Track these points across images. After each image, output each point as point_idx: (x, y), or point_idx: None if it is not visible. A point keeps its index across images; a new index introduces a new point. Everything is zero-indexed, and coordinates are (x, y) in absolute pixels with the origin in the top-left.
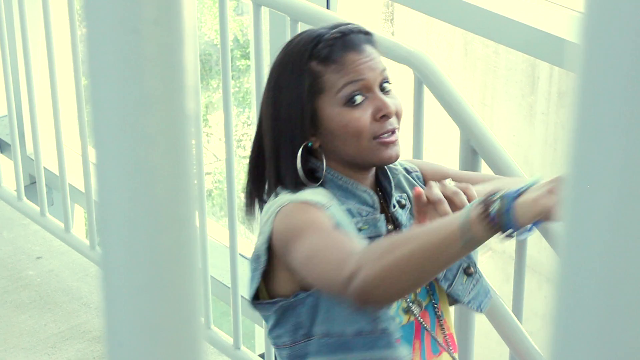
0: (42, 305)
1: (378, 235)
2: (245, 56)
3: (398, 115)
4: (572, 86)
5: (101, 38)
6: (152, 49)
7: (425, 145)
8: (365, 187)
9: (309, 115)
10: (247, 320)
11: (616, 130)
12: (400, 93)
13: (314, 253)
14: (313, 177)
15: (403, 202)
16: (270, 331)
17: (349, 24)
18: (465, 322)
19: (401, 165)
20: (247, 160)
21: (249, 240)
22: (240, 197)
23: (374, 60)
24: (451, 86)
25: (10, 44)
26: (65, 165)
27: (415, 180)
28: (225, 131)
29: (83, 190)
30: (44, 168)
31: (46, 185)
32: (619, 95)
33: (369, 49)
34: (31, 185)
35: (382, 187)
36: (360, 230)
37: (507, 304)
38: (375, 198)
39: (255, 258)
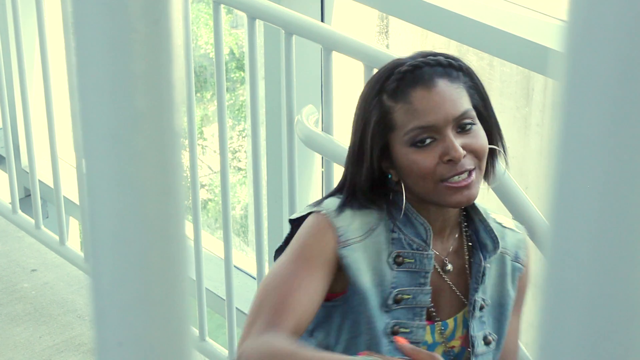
0: (37, 317)
1: (424, 272)
2: (241, 68)
3: (478, 155)
4: (556, 94)
5: (90, 55)
6: (141, 65)
7: None
8: (423, 220)
9: (377, 150)
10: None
11: (600, 137)
12: None
13: (261, 290)
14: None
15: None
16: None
17: (434, 54)
18: None
19: (514, 249)
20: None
21: (244, 252)
22: (235, 209)
23: (447, 98)
24: None
25: (5, 57)
26: (60, 178)
27: (510, 276)
28: (219, 143)
29: (78, 203)
30: (39, 181)
31: (41, 198)
32: (603, 103)
33: (442, 84)
34: (26, 198)
35: (478, 237)
36: (402, 263)
37: None
38: (430, 234)
39: None
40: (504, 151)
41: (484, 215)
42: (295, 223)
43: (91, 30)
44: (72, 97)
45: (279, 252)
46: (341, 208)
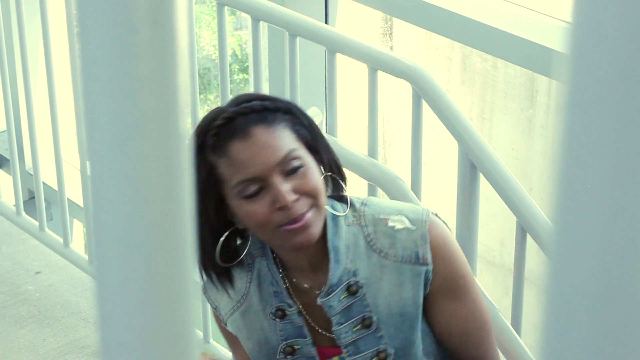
0: (41, 320)
1: (299, 324)
2: (244, 70)
3: (312, 194)
4: (561, 96)
5: (95, 57)
6: (147, 67)
7: (423, 159)
8: (275, 271)
9: (213, 205)
10: None
11: (605, 139)
12: (399, 107)
13: None
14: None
15: (354, 287)
16: None
17: (248, 100)
18: None
19: (411, 251)
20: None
21: None
22: None
23: (265, 145)
24: (449, 100)
25: (10, 59)
26: (64, 180)
27: (410, 283)
28: None
29: (82, 205)
30: (43, 183)
31: (45, 200)
32: (607, 105)
33: (258, 132)
34: (30, 201)
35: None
36: (284, 316)
37: (506, 317)
38: (281, 286)
39: None
40: (340, 176)
41: (358, 227)
42: None
43: (96, 33)
44: (76, 99)
45: None
46: (208, 283)
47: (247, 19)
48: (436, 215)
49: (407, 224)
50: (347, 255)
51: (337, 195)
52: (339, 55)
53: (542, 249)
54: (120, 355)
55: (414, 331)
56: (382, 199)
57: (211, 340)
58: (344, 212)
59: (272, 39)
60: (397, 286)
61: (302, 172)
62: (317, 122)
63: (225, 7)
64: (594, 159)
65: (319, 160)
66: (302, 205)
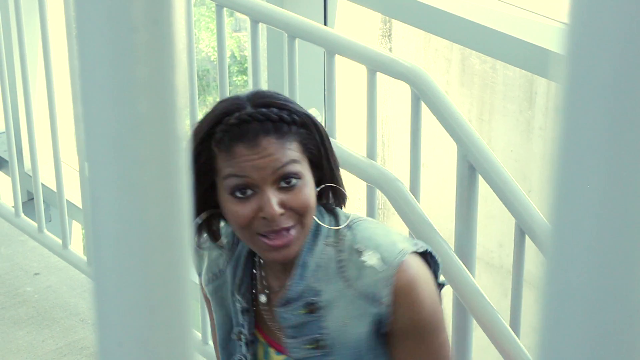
0: (40, 321)
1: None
2: (243, 72)
3: (299, 212)
4: (558, 97)
5: (93, 58)
6: (144, 69)
7: (422, 160)
8: (243, 263)
9: (203, 188)
10: None
11: (601, 140)
12: (398, 109)
13: None
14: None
15: (314, 306)
16: None
17: (268, 104)
18: (463, 337)
19: (371, 290)
20: None
21: None
22: None
23: (268, 156)
24: (448, 102)
25: (8, 61)
26: (63, 181)
27: (361, 319)
28: None
29: (81, 207)
30: (42, 184)
31: (44, 201)
32: (604, 106)
33: (266, 142)
34: (29, 202)
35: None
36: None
37: (504, 318)
38: (235, 281)
39: None
40: (339, 194)
41: (336, 248)
42: None
43: (94, 35)
44: (75, 101)
45: None
46: (196, 244)
47: (246, 20)
48: (427, 251)
49: (376, 263)
50: (315, 274)
51: (330, 207)
52: (338, 57)
53: (540, 250)
54: (118, 356)
55: None
56: (372, 224)
57: (210, 342)
58: (329, 224)
59: (271, 41)
60: (351, 319)
61: (297, 188)
62: None
63: (225, 9)
64: (591, 160)
65: (320, 176)
66: (286, 220)
